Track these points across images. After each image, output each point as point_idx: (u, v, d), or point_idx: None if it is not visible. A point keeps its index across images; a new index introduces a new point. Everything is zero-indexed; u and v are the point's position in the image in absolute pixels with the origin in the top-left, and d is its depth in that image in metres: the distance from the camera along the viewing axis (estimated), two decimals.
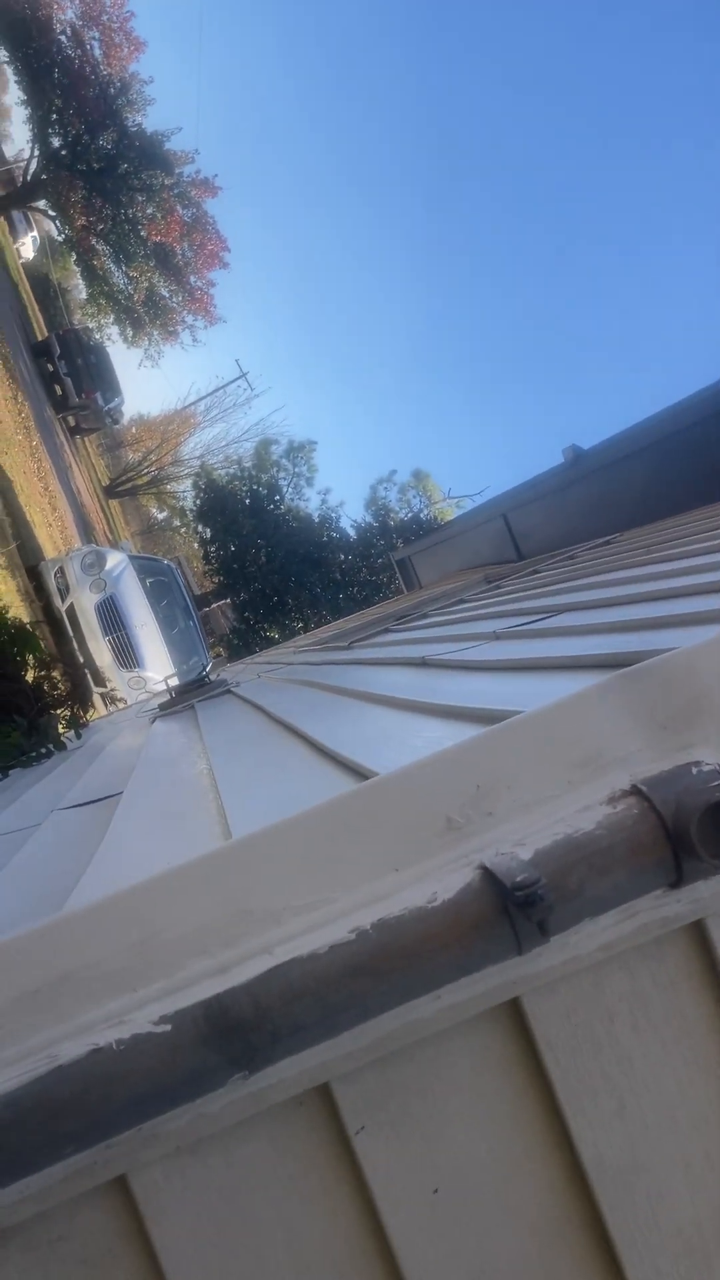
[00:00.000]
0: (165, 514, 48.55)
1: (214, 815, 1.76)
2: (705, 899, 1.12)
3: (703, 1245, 1.17)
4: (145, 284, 32.49)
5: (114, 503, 42.59)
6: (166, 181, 30.22)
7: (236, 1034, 1.02)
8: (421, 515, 30.52)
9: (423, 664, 2.94)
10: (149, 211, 30.90)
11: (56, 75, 28.21)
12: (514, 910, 1.04)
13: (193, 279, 32.66)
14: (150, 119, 30.09)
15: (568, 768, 1.13)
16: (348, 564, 29.18)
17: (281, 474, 31.74)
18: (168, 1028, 1.02)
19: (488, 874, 1.07)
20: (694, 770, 1.10)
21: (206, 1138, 1.08)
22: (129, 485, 43.52)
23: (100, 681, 14.04)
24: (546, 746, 1.13)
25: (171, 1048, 1.01)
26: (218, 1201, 1.10)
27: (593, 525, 6.33)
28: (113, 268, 32.95)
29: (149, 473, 43.04)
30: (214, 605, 30.42)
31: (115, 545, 18.48)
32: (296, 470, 31.81)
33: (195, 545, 35.77)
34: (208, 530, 30.62)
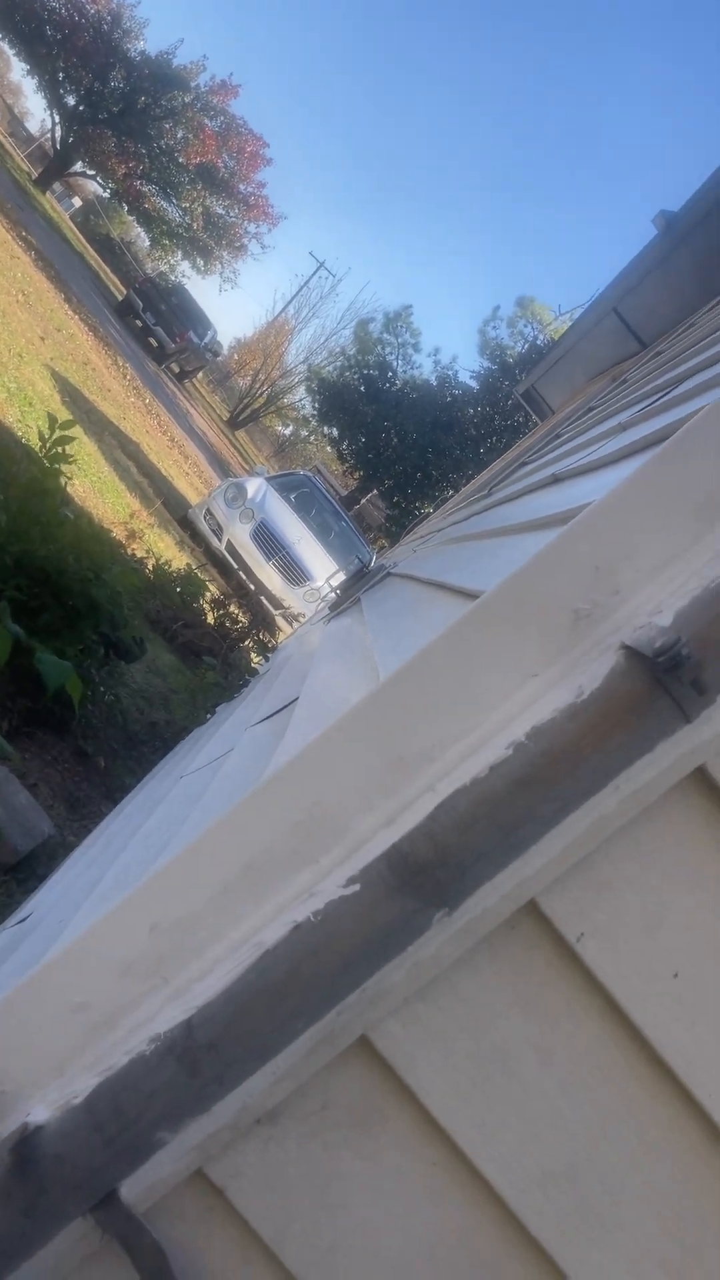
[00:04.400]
0: (290, 428, 48.69)
1: (374, 684, 1.75)
2: None
3: None
4: (200, 209, 32.13)
5: (240, 433, 42.98)
6: (186, 99, 29.53)
7: (424, 875, 1.01)
8: (538, 342, 29.33)
9: (554, 480, 2.82)
10: (180, 136, 30.35)
11: (49, 33, 27.78)
12: (665, 678, 0.98)
13: (242, 187, 32.03)
14: (150, 41, 29.38)
15: (685, 519, 1.04)
16: (479, 416, 28.47)
17: (387, 349, 31.12)
18: (357, 887, 1.02)
19: (630, 651, 1.01)
20: None
21: (431, 982, 1.08)
22: (248, 412, 43.77)
23: (277, 604, 14.33)
24: (656, 504, 1.05)
25: (367, 904, 1.02)
26: (463, 1038, 1.11)
27: (707, 287, 5.90)
28: (164, 205, 32.65)
29: (262, 393, 43.12)
30: (363, 500, 30.46)
31: (251, 473, 18.63)
32: (400, 341, 31.10)
33: (328, 448, 35.75)
34: (334, 430, 30.48)
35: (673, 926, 1.10)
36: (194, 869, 1.07)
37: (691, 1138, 1.14)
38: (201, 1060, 1.02)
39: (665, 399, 2.55)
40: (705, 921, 1.11)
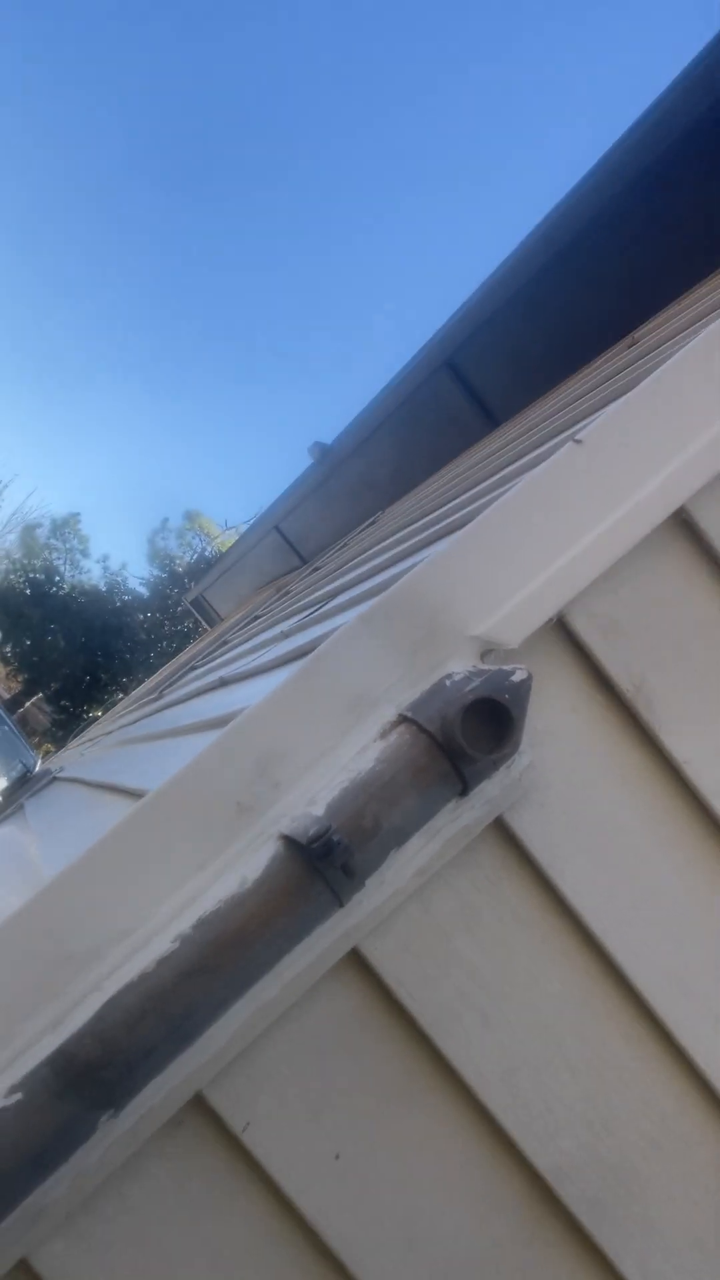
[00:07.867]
0: None
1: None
2: (496, 797, 1.17)
3: (598, 1115, 1.23)
4: None
5: None
6: None
7: (89, 1077, 1.00)
8: (206, 553, 30.41)
9: (222, 684, 2.94)
10: None
11: None
12: (319, 864, 1.06)
13: None
14: None
15: (335, 718, 1.16)
16: (149, 621, 28.78)
17: (54, 554, 30.98)
18: (19, 1095, 0.99)
19: (288, 840, 1.08)
20: (447, 683, 1.15)
21: (95, 1191, 1.06)
22: None
23: None
24: (309, 705, 1.16)
25: (28, 1114, 0.99)
26: (130, 1249, 1.08)
27: (358, 511, 6.47)
28: None
29: None
30: (27, 704, 29.42)
31: None
32: (69, 546, 31.10)
33: None
34: None
35: (333, 1110, 1.15)
36: None
37: None
38: None
39: (321, 610, 2.76)
40: (362, 1105, 1.16)
